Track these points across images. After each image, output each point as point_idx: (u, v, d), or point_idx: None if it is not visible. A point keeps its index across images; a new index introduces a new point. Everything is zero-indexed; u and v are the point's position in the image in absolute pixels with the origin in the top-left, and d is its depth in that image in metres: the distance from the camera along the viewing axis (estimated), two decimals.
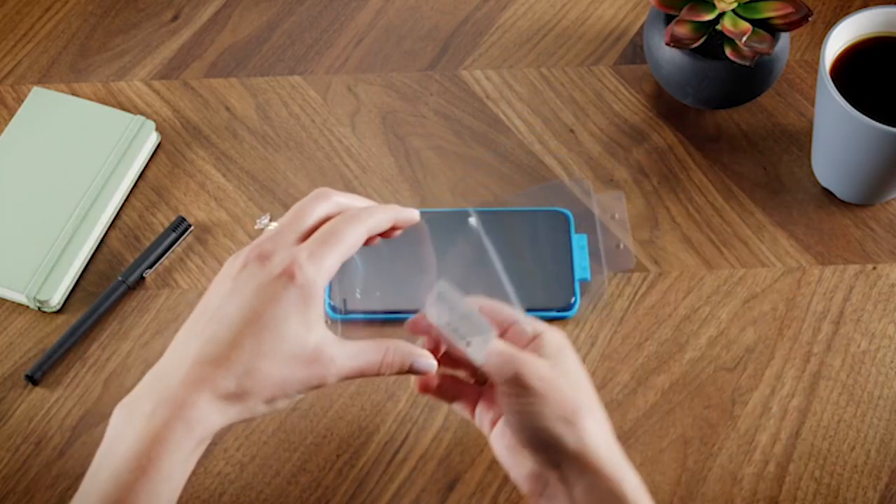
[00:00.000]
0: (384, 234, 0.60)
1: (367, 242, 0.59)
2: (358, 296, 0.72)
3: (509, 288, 0.72)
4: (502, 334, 0.61)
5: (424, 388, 0.62)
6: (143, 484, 0.51)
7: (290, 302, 0.54)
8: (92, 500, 0.51)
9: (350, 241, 0.56)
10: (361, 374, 0.57)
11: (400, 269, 0.73)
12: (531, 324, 0.61)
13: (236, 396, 0.53)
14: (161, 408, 0.52)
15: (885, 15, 0.73)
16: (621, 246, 0.71)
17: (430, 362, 0.59)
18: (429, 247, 0.67)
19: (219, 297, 0.55)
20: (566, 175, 0.79)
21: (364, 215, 0.58)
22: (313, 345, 0.54)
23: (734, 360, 0.71)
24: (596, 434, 0.57)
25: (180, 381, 0.53)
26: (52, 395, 0.70)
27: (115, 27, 0.86)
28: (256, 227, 0.65)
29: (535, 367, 0.57)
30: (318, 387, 0.55)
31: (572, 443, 0.56)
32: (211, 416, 0.53)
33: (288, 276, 0.54)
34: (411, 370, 0.58)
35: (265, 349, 0.53)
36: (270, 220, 0.63)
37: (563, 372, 0.58)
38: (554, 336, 0.60)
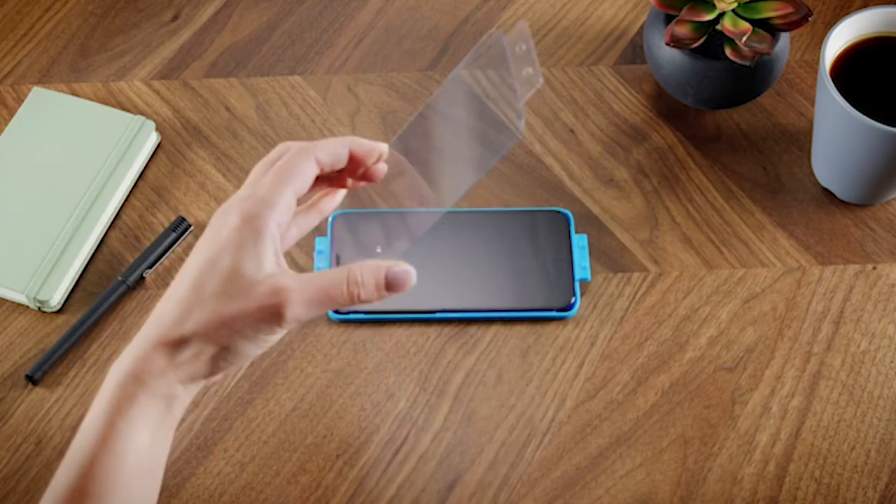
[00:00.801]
0: (363, 176, 0.59)
1: (341, 184, 0.59)
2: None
3: (507, 284, 0.72)
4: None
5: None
6: (104, 449, 0.50)
7: (235, 237, 0.52)
8: (58, 475, 0.50)
9: (299, 170, 0.55)
10: (329, 300, 0.53)
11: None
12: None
13: (182, 342, 0.52)
14: (114, 371, 0.52)
15: (885, 15, 0.73)
16: (529, 71, 0.67)
17: (404, 271, 0.55)
18: (414, 178, 0.62)
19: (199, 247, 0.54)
20: (566, 175, 0.79)
21: (313, 145, 0.56)
22: (263, 275, 0.52)
23: (734, 360, 0.71)
24: None
25: (132, 345, 0.53)
26: (52, 395, 0.70)
27: (115, 27, 0.86)
28: None
29: None
30: (278, 324, 0.52)
31: None
32: (163, 369, 0.51)
33: (230, 210, 0.53)
34: (390, 284, 0.54)
35: (208, 290, 0.52)
36: None
37: None
38: None
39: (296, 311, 0.52)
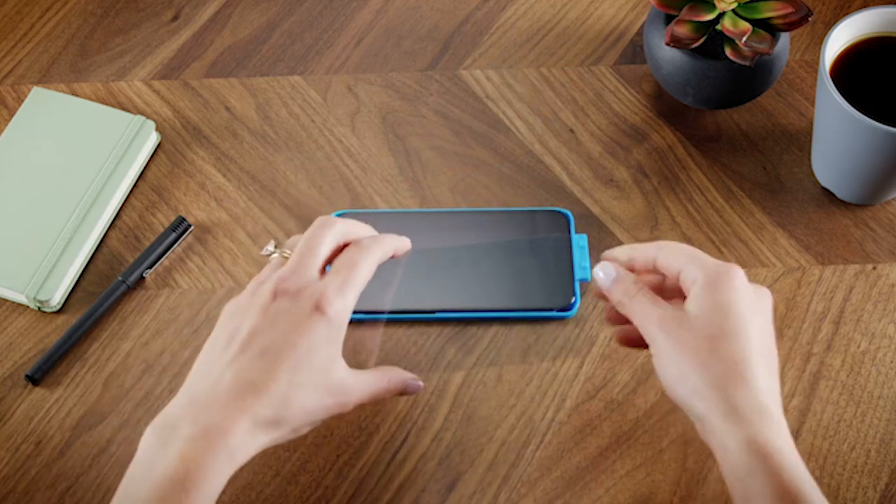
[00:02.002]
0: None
1: None
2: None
3: (507, 284, 0.72)
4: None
5: (622, 342, 0.65)
6: None
7: (322, 335, 0.58)
8: None
9: (366, 273, 0.61)
10: (372, 400, 0.62)
11: (400, 269, 0.73)
12: (681, 264, 0.60)
13: (272, 424, 0.56)
14: (203, 434, 0.54)
15: (885, 15, 0.73)
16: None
17: (418, 384, 0.65)
18: (398, 270, 0.71)
19: (250, 326, 0.58)
20: (566, 175, 0.79)
21: (374, 247, 0.62)
22: (339, 376, 0.59)
23: None
24: (718, 406, 0.54)
25: (221, 408, 0.55)
26: (52, 395, 0.70)
27: (115, 27, 0.86)
28: (262, 253, 0.65)
29: (653, 320, 0.58)
30: (338, 414, 0.60)
31: (697, 408, 0.56)
32: (249, 443, 0.55)
33: (319, 311, 0.58)
34: (405, 392, 0.64)
35: (300, 379, 0.57)
36: (276, 247, 0.63)
37: (694, 326, 0.56)
38: (696, 277, 0.58)
39: (351, 409, 0.60)
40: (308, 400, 0.57)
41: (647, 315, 0.59)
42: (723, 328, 0.56)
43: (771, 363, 0.57)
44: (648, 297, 0.59)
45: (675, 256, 0.60)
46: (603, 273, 0.62)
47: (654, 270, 0.62)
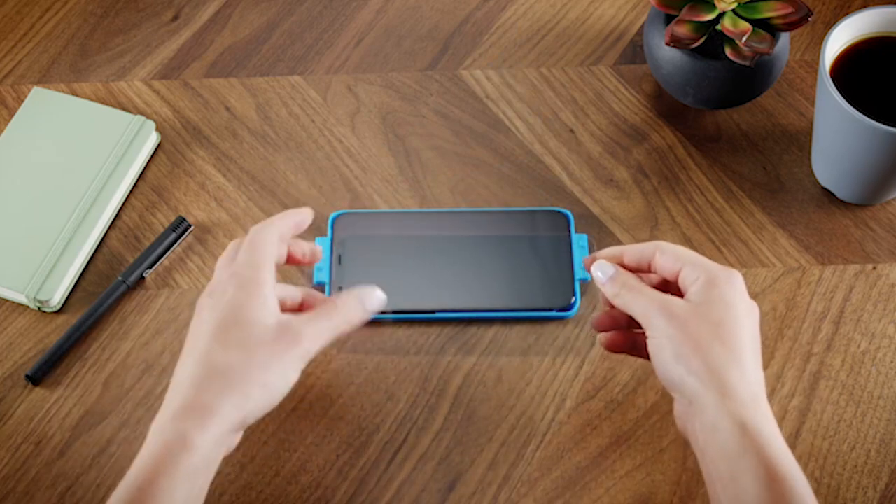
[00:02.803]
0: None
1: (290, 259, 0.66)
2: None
3: (507, 284, 0.72)
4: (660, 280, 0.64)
5: (610, 348, 0.65)
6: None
7: (237, 296, 0.59)
8: None
9: (266, 240, 0.62)
10: (333, 329, 0.61)
11: (400, 269, 0.73)
12: (680, 262, 0.62)
13: (220, 398, 0.57)
14: (156, 431, 0.57)
15: (885, 15, 0.73)
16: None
17: (377, 293, 0.64)
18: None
19: (195, 330, 0.61)
20: (566, 175, 0.79)
21: (271, 220, 0.64)
22: (275, 321, 0.59)
23: None
24: (714, 386, 0.56)
25: (176, 405, 0.57)
26: (52, 395, 0.70)
27: (115, 27, 0.86)
28: None
29: (655, 305, 0.59)
30: (303, 357, 0.60)
31: (691, 386, 0.57)
32: (208, 428, 0.56)
33: (227, 281, 0.60)
34: (367, 308, 0.63)
35: (233, 342, 0.58)
36: None
37: (696, 313, 0.59)
38: (699, 276, 0.60)
39: (311, 345, 0.60)
40: (252, 355, 0.58)
41: (648, 302, 0.60)
42: (724, 318, 0.58)
43: (758, 361, 0.60)
44: (648, 289, 0.61)
45: (676, 258, 0.61)
46: (601, 272, 0.63)
47: (649, 270, 0.64)
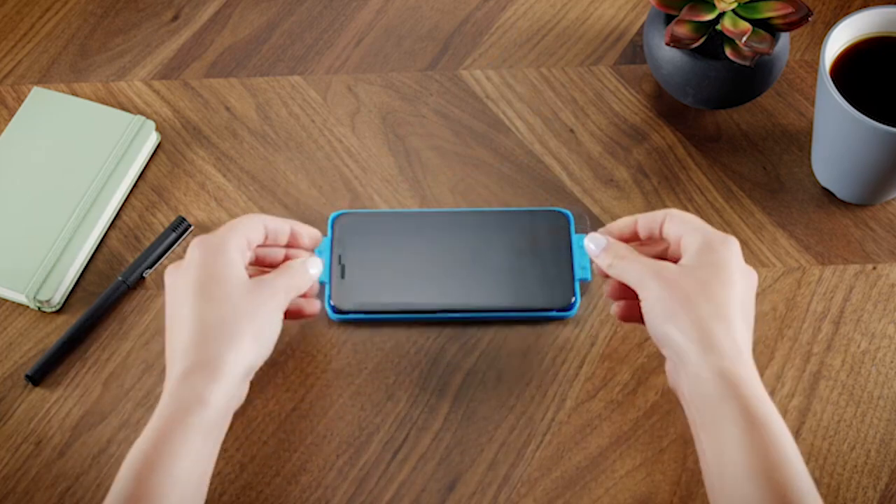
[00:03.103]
0: (294, 244, 0.69)
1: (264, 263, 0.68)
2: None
3: (507, 284, 0.72)
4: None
5: (621, 317, 0.67)
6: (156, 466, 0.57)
7: (204, 258, 0.62)
8: (116, 484, 0.57)
9: (247, 223, 0.65)
10: (295, 288, 0.65)
11: (400, 269, 0.73)
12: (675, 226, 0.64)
13: (222, 351, 0.59)
14: (168, 393, 0.59)
15: (885, 15, 0.73)
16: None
17: (314, 260, 0.67)
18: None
19: (174, 299, 0.63)
20: (566, 175, 0.79)
21: (262, 214, 0.67)
22: (246, 276, 0.63)
23: None
24: (697, 339, 0.59)
25: (183, 367, 0.59)
26: (52, 395, 0.70)
27: (115, 27, 0.86)
28: None
29: (647, 270, 0.62)
30: (281, 307, 0.63)
31: (676, 340, 0.60)
32: (219, 382, 0.59)
33: (193, 249, 0.63)
34: (311, 273, 0.67)
35: (216, 297, 0.61)
36: None
37: (686, 273, 0.61)
38: (696, 240, 0.63)
39: (282, 292, 0.63)
40: (236, 307, 0.60)
41: (641, 268, 0.63)
42: (712, 277, 0.61)
43: (748, 321, 0.62)
44: (641, 256, 0.64)
45: (682, 223, 0.64)
46: (593, 244, 0.66)
47: (653, 241, 0.66)
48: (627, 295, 0.67)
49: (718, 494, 0.57)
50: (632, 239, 0.67)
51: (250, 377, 0.62)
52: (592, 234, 0.66)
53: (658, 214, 0.65)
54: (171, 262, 0.75)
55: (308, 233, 0.69)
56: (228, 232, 0.64)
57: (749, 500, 0.55)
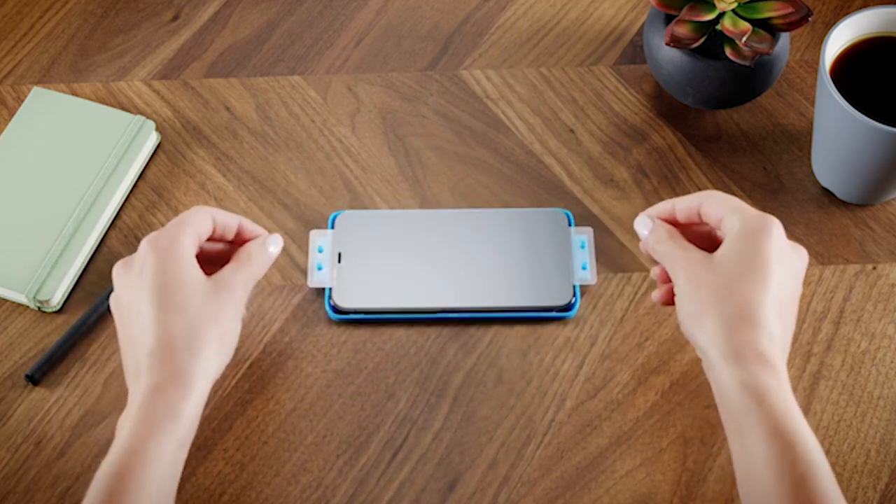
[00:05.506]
0: (240, 243, 0.67)
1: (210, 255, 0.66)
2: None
3: (507, 284, 0.72)
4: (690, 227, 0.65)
5: (663, 302, 0.67)
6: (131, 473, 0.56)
7: (159, 262, 0.60)
8: (88, 499, 0.56)
9: (193, 218, 0.63)
10: (254, 276, 0.64)
11: (400, 269, 0.73)
12: (718, 211, 0.62)
13: (190, 364, 0.59)
14: (139, 407, 0.58)
15: (885, 15, 0.73)
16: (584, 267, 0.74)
17: (277, 237, 0.66)
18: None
19: (128, 303, 0.62)
20: (566, 175, 0.79)
21: (209, 208, 0.65)
22: (204, 277, 0.61)
23: None
24: (720, 345, 0.57)
25: (152, 381, 0.59)
26: (52, 395, 0.70)
27: (115, 27, 0.86)
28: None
29: (678, 263, 0.61)
30: (240, 305, 0.63)
31: (701, 342, 0.59)
32: (190, 396, 0.58)
33: (145, 249, 0.61)
34: (270, 252, 0.66)
35: (179, 306, 0.59)
36: None
37: (715, 270, 0.59)
38: (734, 225, 0.60)
39: (240, 285, 0.63)
40: (195, 314, 0.59)
41: (673, 257, 0.62)
42: (744, 273, 0.58)
43: (787, 316, 0.60)
44: (677, 242, 0.62)
45: (719, 205, 0.62)
46: (641, 225, 0.65)
47: (700, 222, 0.64)
48: (670, 279, 0.66)
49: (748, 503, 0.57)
50: (676, 223, 0.66)
51: (216, 380, 0.62)
52: (641, 216, 0.65)
53: (695, 199, 0.63)
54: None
55: (253, 231, 0.67)
56: (179, 229, 0.62)
57: None
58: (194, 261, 0.62)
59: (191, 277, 0.60)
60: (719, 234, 0.63)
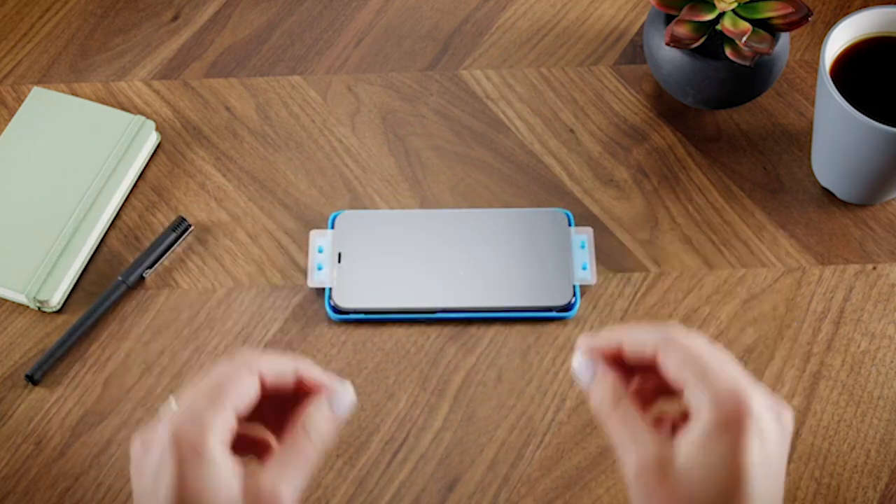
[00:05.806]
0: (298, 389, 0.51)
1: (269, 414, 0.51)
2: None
3: (507, 284, 0.72)
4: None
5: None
6: None
7: (181, 473, 0.45)
8: None
9: (233, 386, 0.47)
10: (308, 467, 0.49)
11: (400, 269, 0.73)
12: (695, 393, 0.46)
13: None
14: None
15: (885, 15, 0.73)
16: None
17: (348, 391, 0.51)
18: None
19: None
20: (566, 175, 0.79)
21: (256, 359, 0.49)
22: (238, 493, 0.46)
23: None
24: None
25: None
26: (52, 395, 0.70)
27: (115, 27, 0.86)
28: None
29: (631, 461, 0.46)
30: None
31: None
32: None
33: (166, 443, 0.46)
34: (338, 417, 0.51)
35: None
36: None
37: (681, 482, 0.44)
38: (700, 408, 0.45)
39: (283, 488, 0.47)
40: None
41: (624, 447, 0.47)
42: (713, 498, 0.44)
43: None
44: (625, 419, 0.47)
45: (679, 366, 0.46)
46: (582, 366, 0.50)
47: (654, 365, 0.48)
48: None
49: None
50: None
51: None
52: (578, 356, 0.50)
53: (649, 341, 0.48)
54: (171, 262, 0.75)
55: (314, 379, 0.50)
56: (210, 411, 0.46)
57: None
58: (227, 463, 0.46)
59: (221, 496, 0.45)
60: (685, 403, 0.47)
